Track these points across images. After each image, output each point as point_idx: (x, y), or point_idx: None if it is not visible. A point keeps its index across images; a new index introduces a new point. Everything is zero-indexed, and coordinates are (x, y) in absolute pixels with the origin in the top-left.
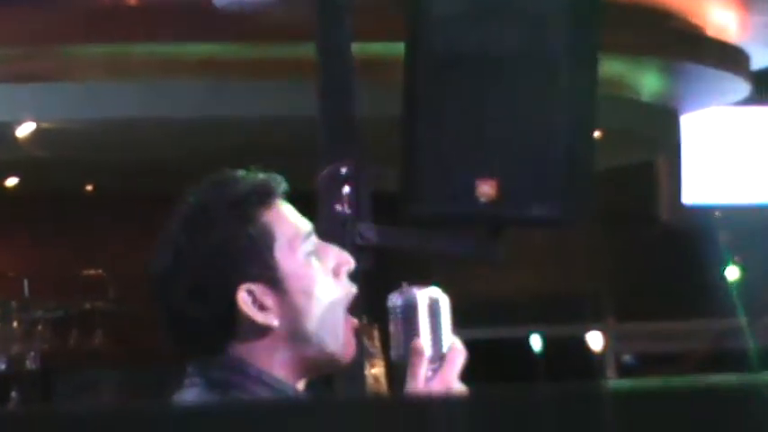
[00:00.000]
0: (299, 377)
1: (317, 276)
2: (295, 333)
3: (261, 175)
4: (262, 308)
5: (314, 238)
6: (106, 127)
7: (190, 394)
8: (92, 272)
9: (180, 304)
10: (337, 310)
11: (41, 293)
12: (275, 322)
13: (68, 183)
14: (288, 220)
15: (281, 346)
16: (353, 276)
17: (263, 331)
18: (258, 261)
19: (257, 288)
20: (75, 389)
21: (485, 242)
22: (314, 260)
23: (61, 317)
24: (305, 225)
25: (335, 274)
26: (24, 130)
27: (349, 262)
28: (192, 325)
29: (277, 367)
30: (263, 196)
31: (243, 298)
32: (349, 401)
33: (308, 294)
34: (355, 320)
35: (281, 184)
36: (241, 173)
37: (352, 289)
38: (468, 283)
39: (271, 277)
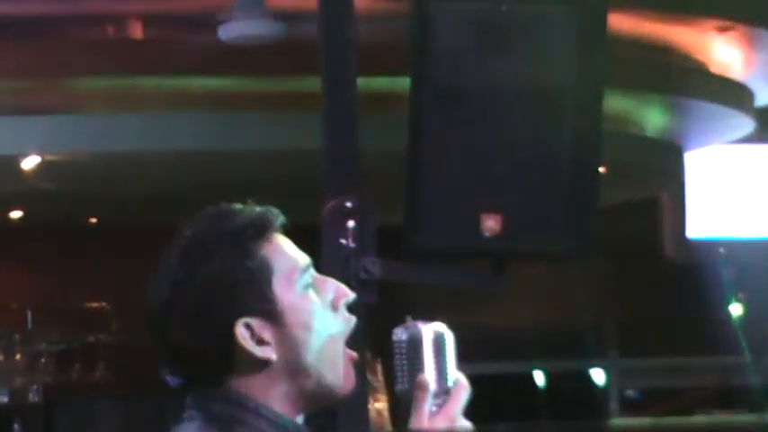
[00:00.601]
0: (299, 410)
1: (315, 309)
2: (294, 366)
3: (258, 209)
4: (260, 342)
5: (312, 271)
6: (111, 160)
7: (189, 429)
8: (95, 304)
9: (177, 337)
10: (336, 343)
11: (44, 326)
12: (273, 356)
13: (72, 215)
14: (286, 254)
15: (279, 380)
16: (353, 308)
17: (261, 365)
18: (256, 295)
19: (255, 322)
20: (77, 421)
21: (489, 276)
22: (312, 293)
23: (64, 349)
24: (303, 258)
25: (334, 306)
26: (29, 162)
27: (347, 294)
28: (190, 359)
29: (277, 401)
30: (261, 229)
31: (241, 332)
32: None
33: (307, 327)
34: (354, 353)
35: (279, 218)
36: (238, 206)
37: (352, 321)
38: (471, 317)
39: (269, 311)
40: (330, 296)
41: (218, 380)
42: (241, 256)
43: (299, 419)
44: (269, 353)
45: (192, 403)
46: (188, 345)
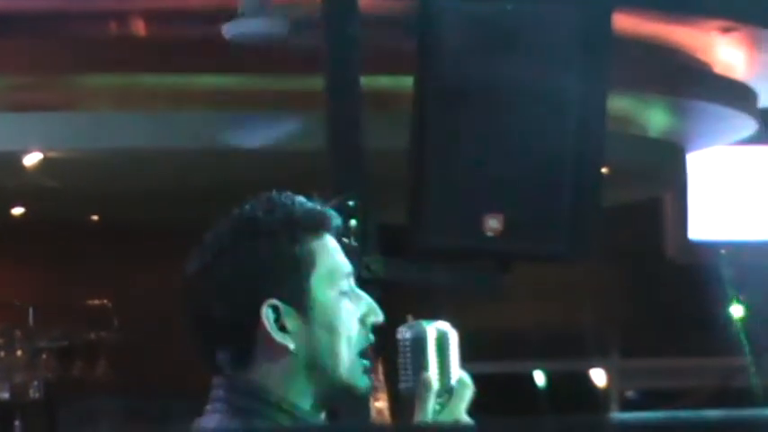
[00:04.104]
0: (320, 405)
1: (344, 316)
2: (311, 362)
3: (318, 206)
4: (282, 328)
5: (352, 281)
6: (113, 157)
7: (212, 421)
8: (96, 302)
9: (207, 305)
10: (353, 352)
11: (46, 322)
12: (292, 345)
13: (74, 212)
14: (331, 255)
15: (298, 373)
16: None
17: (280, 353)
18: (293, 283)
19: (283, 308)
20: (78, 419)
21: (490, 276)
22: (346, 301)
23: (65, 346)
24: (347, 265)
25: (362, 322)
26: (31, 159)
27: (378, 316)
28: (214, 331)
29: (297, 394)
30: (315, 225)
31: (266, 312)
32: (367, 429)
33: (330, 329)
34: (368, 362)
35: (335, 219)
36: (300, 198)
37: (370, 340)
38: (472, 317)
39: (299, 302)
40: (363, 310)
41: (240, 365)
42: (289, 242)
43: (322, 415)
44: (287, 341)
45: (217, 394)
46: (215, 314)
